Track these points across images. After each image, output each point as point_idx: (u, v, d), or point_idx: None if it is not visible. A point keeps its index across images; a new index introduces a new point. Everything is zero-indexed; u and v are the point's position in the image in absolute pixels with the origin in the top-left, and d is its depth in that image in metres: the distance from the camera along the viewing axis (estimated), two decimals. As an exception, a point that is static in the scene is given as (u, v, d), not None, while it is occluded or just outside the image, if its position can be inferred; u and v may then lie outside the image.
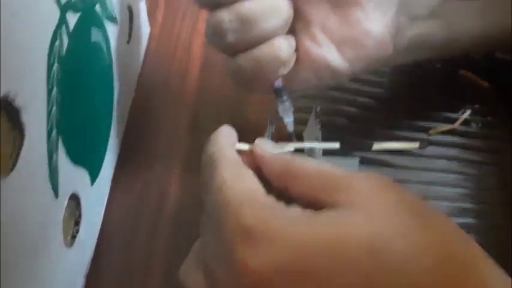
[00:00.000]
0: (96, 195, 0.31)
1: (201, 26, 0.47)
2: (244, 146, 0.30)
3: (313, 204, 0.25)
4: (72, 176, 0.26)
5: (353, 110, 0.42)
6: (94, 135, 0.30)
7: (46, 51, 0.21)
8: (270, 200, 0.25)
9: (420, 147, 0.33)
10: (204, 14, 0.48)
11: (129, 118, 0.39)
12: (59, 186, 0.24)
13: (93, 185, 0.30)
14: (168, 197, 0.36)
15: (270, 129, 0.35)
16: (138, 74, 0.41)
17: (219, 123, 0.41)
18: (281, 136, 0.40)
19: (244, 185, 0.25)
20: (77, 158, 0.26)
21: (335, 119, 0.41)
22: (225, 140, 0.29)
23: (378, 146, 0.33)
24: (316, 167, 0.26)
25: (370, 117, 0.41)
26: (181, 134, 0.40)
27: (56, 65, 0.22)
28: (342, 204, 0.23)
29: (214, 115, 0.41)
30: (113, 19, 0.32)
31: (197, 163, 0.39)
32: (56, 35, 0.22)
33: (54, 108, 0.22)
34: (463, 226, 0.21)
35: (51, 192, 0.23)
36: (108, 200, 0.34)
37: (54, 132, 0.23)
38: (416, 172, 0.38)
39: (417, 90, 0.43)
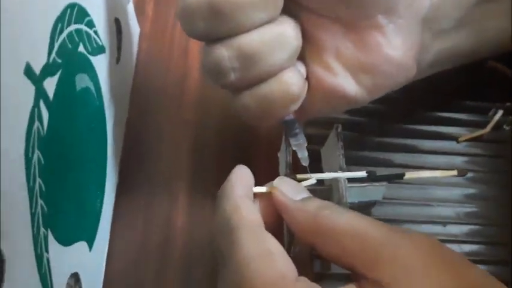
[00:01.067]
0: (95, 256, 0.27)
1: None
2: (262, 189, 0.27)
3: (348, 268, 0.22)
4: (68, 259, 0.22)
5: (369, 120, 0.37)
6: (88, 197, 0.26)
7: (22, 150, 0.17)
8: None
9: (459, 175, 0.29)
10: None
11: (124, 142, 0.35)
12: (54, 283, 0.20)
13: (92, 248, 0.26)
14: (174, 236, 0.33)
15: (287, 155, 0.31)
16: (130, 89, 0.36)
17: (224, 140, 0.38)
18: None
19: (272, 269, 0.22)
20: (71, 238, 0.22)
21: (351, 132, 0.37)
22: (242, 192, 0.25)
23: (410, 175, 0.30)
24: (350, 225, 0.23)
25: (389, 129, 0.37)
26: (183, 155, 0.36)
27: (36, 154, 0.18)
28: (387, 284, 0.20)
29: (218, 129, 0.37)
30: (100, 50, 0.27)
31: (203, 189, 0.36)
32: (32, 117, 0.18)
33: (39, 204, 0.18)
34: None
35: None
36: (109, 246, 0.31)
37: (41, 232, 0.19)
38: (447, 190, 0.35)
39: (438, 89, 0.39)
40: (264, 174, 0.35)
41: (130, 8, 0.36)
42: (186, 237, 0.33)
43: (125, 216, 0.33)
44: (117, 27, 0.32)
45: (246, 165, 0.27)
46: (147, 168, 0.35)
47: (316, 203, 0.25)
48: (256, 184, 0.27)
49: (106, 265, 0.30)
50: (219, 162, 0.36)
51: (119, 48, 0.32)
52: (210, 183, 0.35)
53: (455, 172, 0.30)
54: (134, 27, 0.38)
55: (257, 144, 0.36)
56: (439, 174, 0.30)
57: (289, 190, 0.26)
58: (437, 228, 0.33)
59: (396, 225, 0.33)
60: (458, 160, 0.36)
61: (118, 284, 0.31)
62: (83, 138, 0.24)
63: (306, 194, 0.26)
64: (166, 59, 0.39)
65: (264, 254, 0.22)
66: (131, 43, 0.36)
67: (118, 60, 0.32)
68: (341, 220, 0.23)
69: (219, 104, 0.38)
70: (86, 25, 0.24)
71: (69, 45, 0.21)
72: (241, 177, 0.26)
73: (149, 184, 0.34)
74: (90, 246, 0.26)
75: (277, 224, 0.26)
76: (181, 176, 0.35)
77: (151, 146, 0.36)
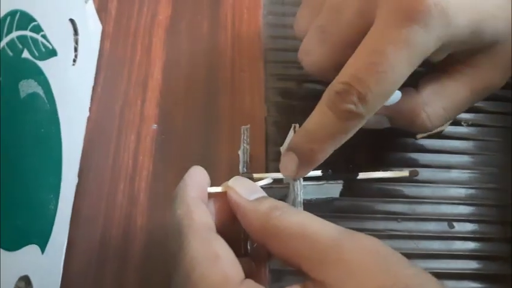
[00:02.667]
0: (49, 259, 0.27)
1: (162, 17, 0.41)
2: (217, 189, 0.28)
3: (295, 268, 0.23)
4: (16, 263, 0.23)
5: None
6: (39, 202, 0.26)
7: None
8: None
9: (411, 176, 0.30)
10: (164, 3, 0.42)
11: (85, 141, 0.35)
12: (-2, 288, 0.21)
13: (45, 251, 0.26)
14: (134, 236, 0.33)
15: (244, 154, 0.31)
16: (90, 89, 0.36)
17: (187, 139, 0.38)
18: (258, 155, 0.36)
19: (216, 272, 0.22)
20: (19, 243, 0.22)
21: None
22: (195, 194, 0.26)
23: (364, 175, 0.30)
24: (299, 227, 0.23)
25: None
26: (145, 154, 0.36)
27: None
28: (330, 285, 0.21)
29: (180, 128, 0.37)
30: (50, 53, 0.27)
31: (163, 189, 0.36)
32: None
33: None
34: None
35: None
36: (68, 247, 0.31)
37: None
38: (405, 187, 0.35)
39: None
40: (225, 173, 0.36)
41: (90, 6, 0.36)
42: (146, 237, 0.33)
43: (85, 216, 0.33)
44: (73, 27, 0.32)
45: (208, 163, 0.28)
46: (108, 167, 0.35)
47: (268, 204, 0.25)
48: (218, 182, 0.27)
49: (64, 265, 0.30)
50: (181, 162, 0.36)
51: (76, 49, 0.32)
52: (171, 182, 0.35)
53: (406, 173, 0.30)
54: (95, 26, 0.37)
55: (219, 142, 0.37)
56: (390, 175, 0.31)
57: (244, 190, 0.26)
58: (392, 224, 0.34)
59: (351, 222, 0.34)
60: (416, 157, 0.37)
61: (77, 285, 0.31)
62: (31, 145, 0.24)
63: (261, 193, 0.27)
64: (129, 58, 0.39)
65: (210, 258, 0.22)
66: (91, 43, 0.36)
67: (74, 61, 0.32)
68: (291, 221, 0.24)
69: (182, 103, 0.38)
70: (31, 30, 0.24)
71: (10, 53, 0.22)
72: (196, 178, 0.27)
73: (110, 184, 0.34)
74: (43, 249, 0.26)
75: (234, 222, 0.27)
76: (142, 175, 0.35)
77: (112, 145, 0.36)
